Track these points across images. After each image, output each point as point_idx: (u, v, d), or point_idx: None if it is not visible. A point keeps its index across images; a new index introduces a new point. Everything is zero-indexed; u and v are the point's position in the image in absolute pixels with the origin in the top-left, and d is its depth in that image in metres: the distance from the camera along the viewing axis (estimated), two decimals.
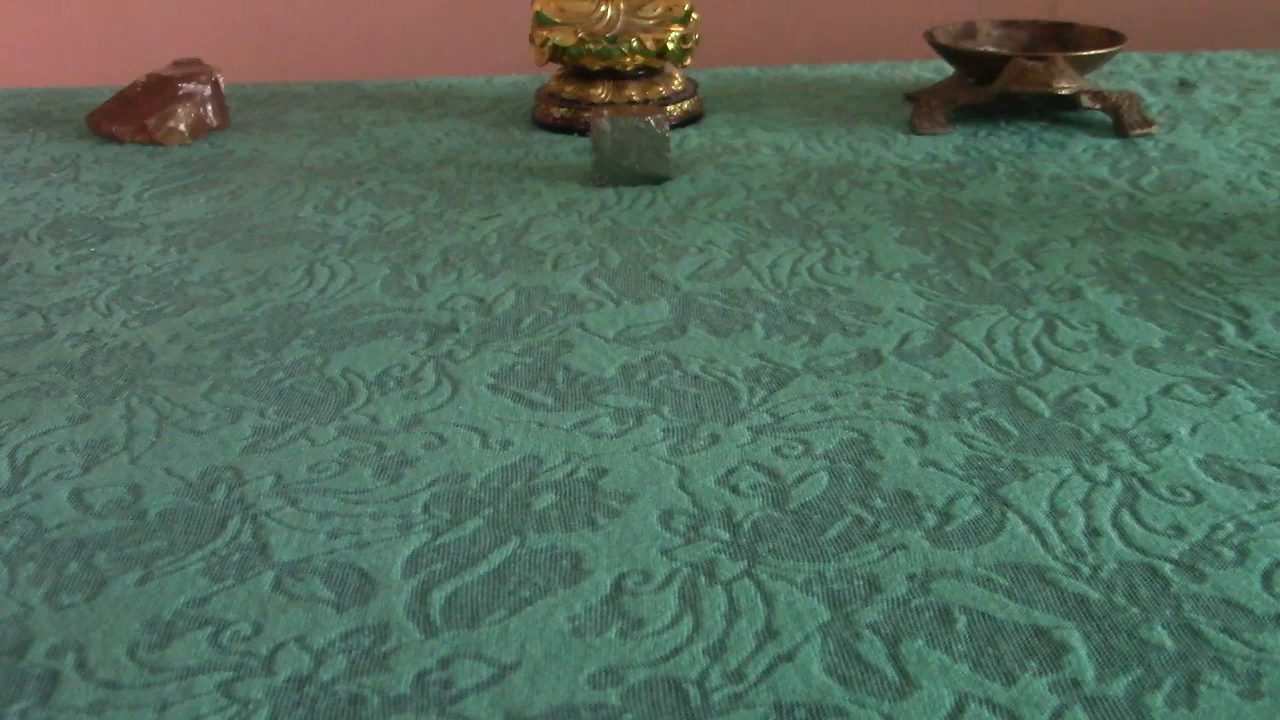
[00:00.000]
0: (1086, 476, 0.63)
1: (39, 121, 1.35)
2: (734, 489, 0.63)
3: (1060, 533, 0.58)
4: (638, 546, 0.58)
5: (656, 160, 1.10)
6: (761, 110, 1.36)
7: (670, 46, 1.26)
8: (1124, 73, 1.49)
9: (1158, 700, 0.48)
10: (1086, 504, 0.61)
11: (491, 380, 0.75)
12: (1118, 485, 0.62)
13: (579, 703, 0.48)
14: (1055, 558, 0.56)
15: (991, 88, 1.25)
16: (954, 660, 0.50)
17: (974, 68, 1.30)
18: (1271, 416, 0.69)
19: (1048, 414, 0.69)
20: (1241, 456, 0.65)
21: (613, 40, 1.25)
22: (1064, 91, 1.21)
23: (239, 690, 0.49)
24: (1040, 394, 0.72)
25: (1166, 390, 0.72)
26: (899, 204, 1.05)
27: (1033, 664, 0.50)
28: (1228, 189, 1.07)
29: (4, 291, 0.89)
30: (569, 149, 1.23)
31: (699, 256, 0.94)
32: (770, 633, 0.52)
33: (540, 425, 0.69)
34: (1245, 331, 0.79)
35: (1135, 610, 0.53)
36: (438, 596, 0.55)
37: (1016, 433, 0.67)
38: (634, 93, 1.28)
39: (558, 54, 1.27)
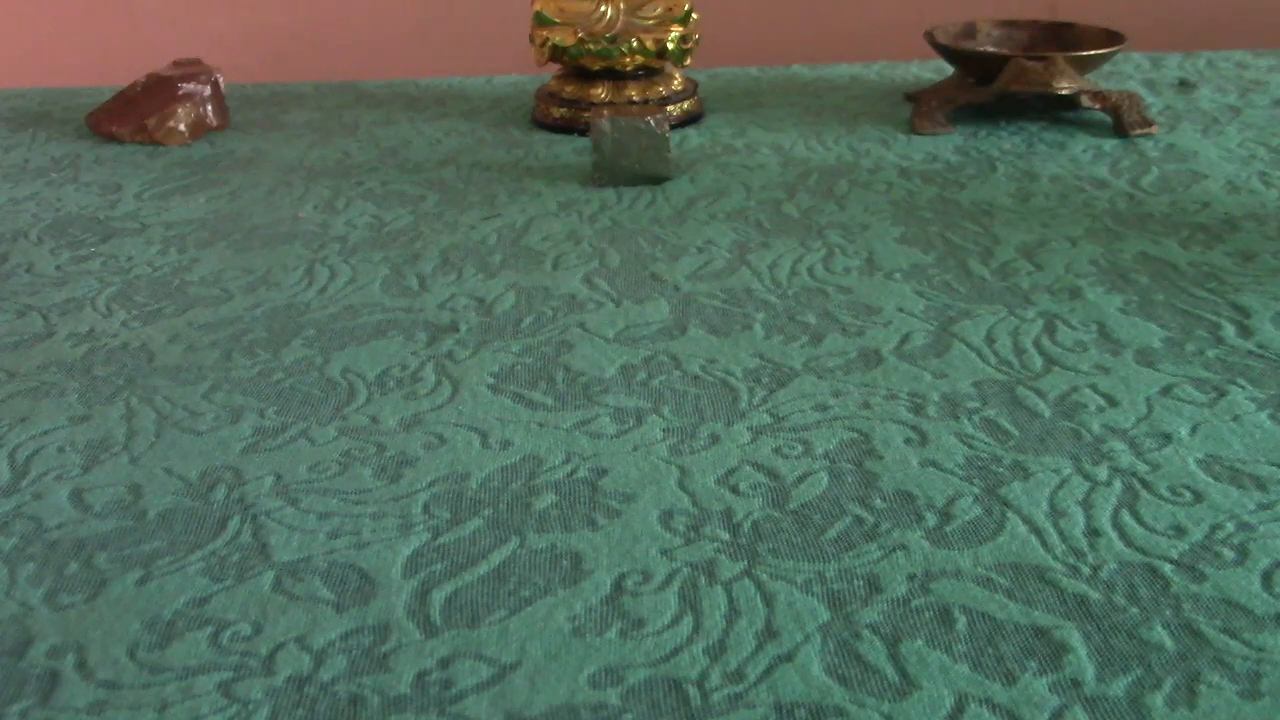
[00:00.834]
0: (1086, 476, 0.63)
1: (39, 121, 1.35)
2: (734, 489, 0.63)
3: (1060, 533, 0.58)
4: (638, 546, 0.58)
5: (656, 160, 1.10)
6: (761, 110, 1.36)
7: (670, 46, 1.26)
8: (1124, 73, 1.49)
9: (1158, 700, 0.48)
10: (1086, 504, 0.61)
11: (491, 380, 0.75)
12: (1118, 485, 0.62)
13: (579, 703, 0.48)
14: (1055, 558, 0.56)
15: (991, 88, 1.25)
16: (954, 660, 0.50)
17: (974, 68, 1.30)
18: (1271, 416, 0.69)
19: (1048, 414, 0.69)
20: (1241, 456, 0.65)
21: (613, 40, 1.25)
22: (1064, 91, 1.21)
23: (239, 690, 0.49)
24: (1040, 394, 0.72)
25: (1166, 390, 0.72)
26: (899, 204, 1.05)
27: (1033, 664, 0.50)
28: (1228, 189, 1.07)
29: (4, 291, 0.89)
30: (569, 149, 1.23)
31: (699, 256, 0.94)
32: (770, 633, 0.52)
33: (540, 425, 0.69)
34: (1245, 331, 0.79)
35: (1135, 610, 0.53)
36: (438, 596, 0.55)
37: (1016, 433, 0.67)
38: (634, 93, 1.28)
39: (558, 54, 1.27)
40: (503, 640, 0.52)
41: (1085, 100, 1.28)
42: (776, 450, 0.66)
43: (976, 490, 0.62)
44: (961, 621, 0.52)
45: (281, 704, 0.48)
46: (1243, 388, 0.72)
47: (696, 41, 1.29)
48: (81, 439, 0.68)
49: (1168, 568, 0.56)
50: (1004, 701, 0.48)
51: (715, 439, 0.67)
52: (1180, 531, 0.58)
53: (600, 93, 1.28)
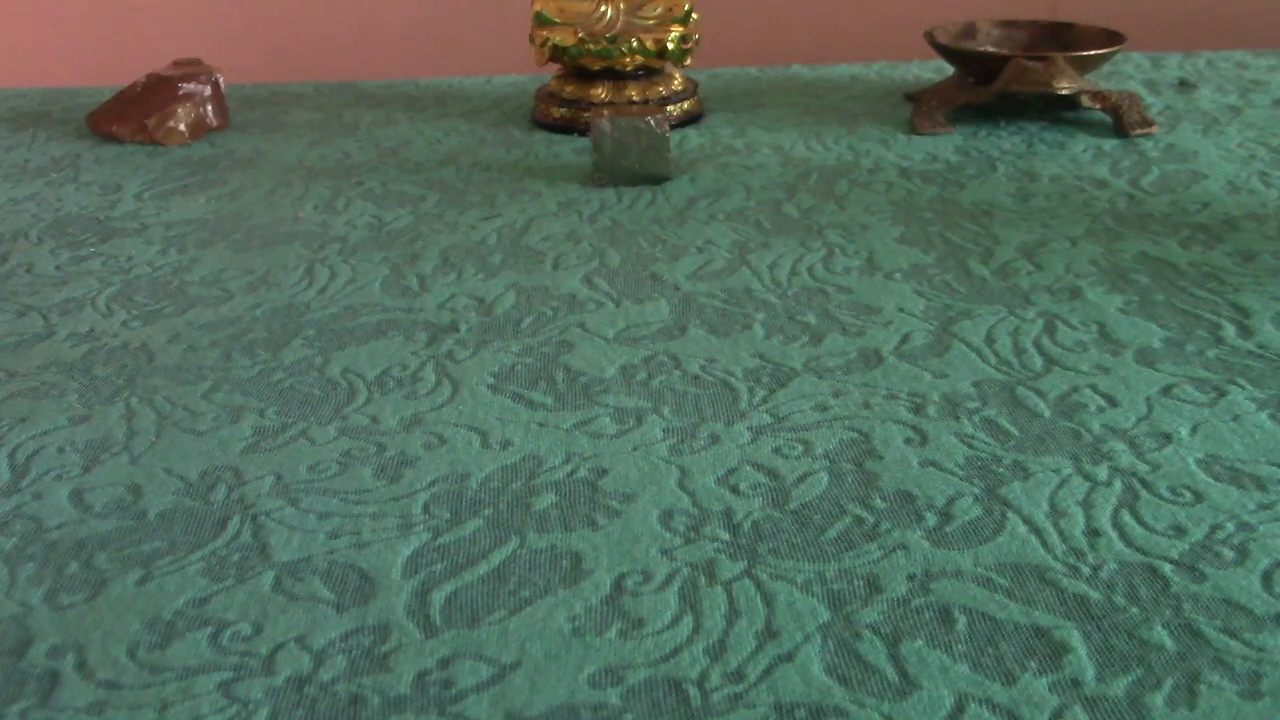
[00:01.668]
0: (1086, 476, 0.63)
1: (39, 121, 1.35)
2: (734, 489, 0.63)
3: (1060, 533, 0.58)
4: (638, 546, 0.58)
5: (656, 160, 1.10)
6: (761, 110, 1.36)
7: (670, 46, 1.26)
8: (1124, 73, 1.49)
9: (1158, 700, 0.48)
10: (1086, 504, 0.61)
11: (491, 380, 0.75)
12: (1118, 485, 0.62)
13: (579, 703, 0.48)
14: (1055, 558, 0.56)
15: (991, 88, 1.25)
16: (954, 660, 0.50)
17: (974, 68, 1.30)
18: (1271, 416, 0.69)
19: (1048, 414, 0.69)
20: (1241, 456, 0.65)
21: (613, 40, 1.25)
22: (1064, 91, 1.21)
23: (239, 690, 0.49)
24: (1040, 394, 0.72)
25: (1166, 390, 0.72)
26: (899, 204, 1.05)
27: (1033, 664, 0.50)
28: (1228, 189, 1.07)
29: (4, 291, 0.89)
30: (569, 149, 1.23)
31: (699, 256, 0.94)
32: (770, 633, 0.52)
33: (540, 425, 0.69)
34: (1245, 331, 0.79)
35: (1135, 610, 0.53)
36: (438, 596, 0.55)
37: (1016, 433, 0.67)
38: (634, 93, 1.28)
39: (558, 54, 1.27)
40: (503, 640, 0.52)
41: (1085, 100, 1.28)
42: (776, 450, 0.66)
43: (976, 490, 0.62)
44: (961, 621, 0.52)
45: (281, 704, 0.48)
46: (1243, 388, 0.72)
47: (696, 41, 1.29)
48: (81, 439, 0.68)
49: (1168, 568, 0.56)
50: (1004, 701, 0.48)
51: (715, 439, 0.67)
52: (1180, 531, 0.58)
53: (600, 93, 1.28)
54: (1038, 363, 0.75)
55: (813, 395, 0.72)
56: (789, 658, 0.50)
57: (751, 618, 0.53)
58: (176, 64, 1.31)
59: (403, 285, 0.89)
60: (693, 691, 0.49)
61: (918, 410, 0.70)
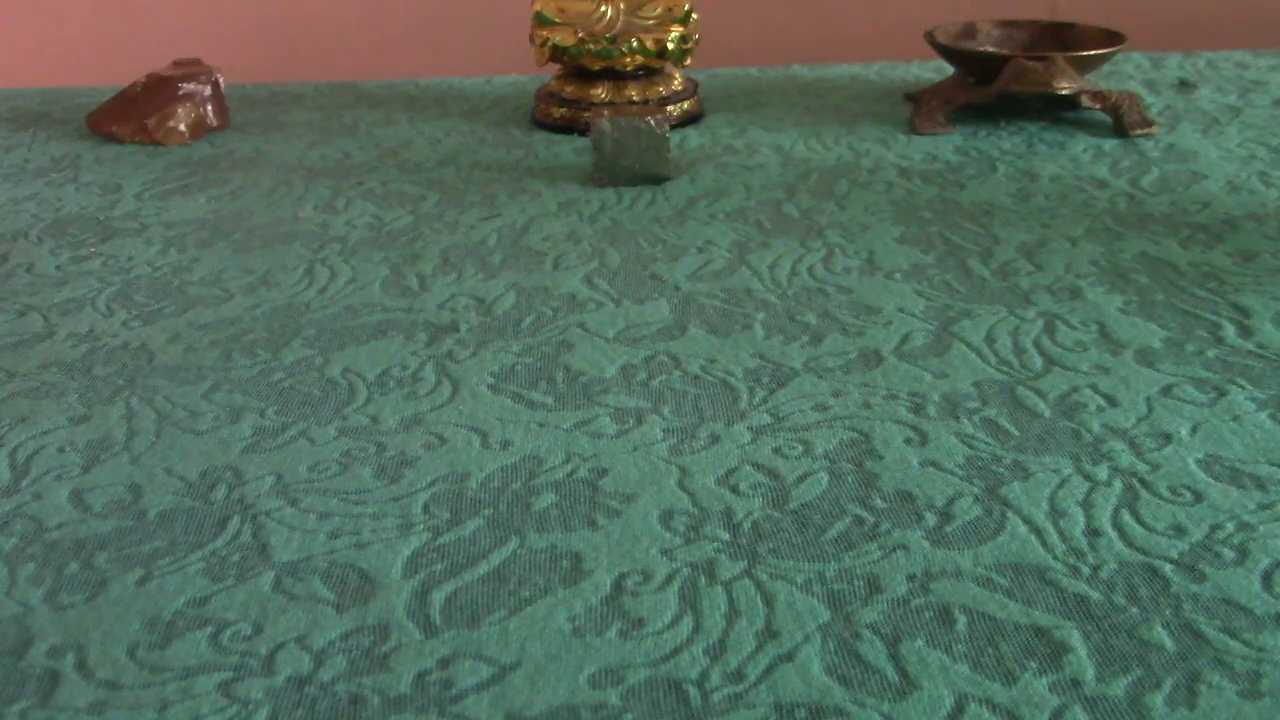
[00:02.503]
0: (1086, 476, 0.63)
1: (39, 121, 1.35)
2: (734, 489, 0.63)
3: (1060, 533, 0.58)
4: (638, 546, 0.58)
5: (656, 160, 1.10)
6: (761, 110, 1.36)
7: (670, 46, 1.26)
8: (1124, 73, 1.49)
9: (1158, 700, 0.48)
10: (1086, 504, 0.61)
11: (491, 380, 0.75)
12: (1118, 485, 0.62)
13: (579, 703, 0.48)
14: (1055, 558, 0.56)
15: (991, 88, 1.25)
16: (954, 660, 0.50)
17: (974, 68, 1.30)
18: (1271, 416, 0.69)
19: (1048, 414, 0.69)
20: (1241, 456, 0.65)
21: (613, 40, 1.25)
22: (1064, 91, 1.21)
23: (239, 690, 0.49)
24: (1040, 394, 0.72)
25: (1166, 390, 0.72)
26: (899, 204, 1.05)
27: (1033, 664, 0.50)
28: (1228, 189, 1.07)
29: (4, 291, 0.89)
30: (569, 149, 1.23)
31: (699, 256, 0.94)
32: (770, 633, 0.52)
33: (540, 425, 0.69)
34: (1245, 331, 0.79)
35: (1135, 610, 0.53)
36: (438, 596, 0.55)
37: (1016, 433, 0.67)
38: (634, 93, 1.28)
39: (558, 54, 1.27)
40: (503, 640, 0.52)
41: (1085, 100, 1.28)
42: (776, 450, 0.66)
43: (976, 490, 0.62)
44: (961, 621, 0.52)
45: (282, 704, 0.48)
46: (1243, 388, 0.72)
47: (696, 41, 1.29)
48: (81, 439, 0.68)
49: (1168, 568, 0.56)
50: (1004, 701, 0.48)
51: (715, 439, 0.67)
52: (1180, 531, 0.58)
53: (600, 93, 1.28)
54: (1038, 363, 0.75)
55: (813, 395, 0.72)
56: (789, 658, 0.50)
57: (751, 618, 0.53)
58: (176, 64, 1.31)
59: (403, 285, 0.89)
60: (693, 691, 0.49)
61: (918, 410, 0.70)
